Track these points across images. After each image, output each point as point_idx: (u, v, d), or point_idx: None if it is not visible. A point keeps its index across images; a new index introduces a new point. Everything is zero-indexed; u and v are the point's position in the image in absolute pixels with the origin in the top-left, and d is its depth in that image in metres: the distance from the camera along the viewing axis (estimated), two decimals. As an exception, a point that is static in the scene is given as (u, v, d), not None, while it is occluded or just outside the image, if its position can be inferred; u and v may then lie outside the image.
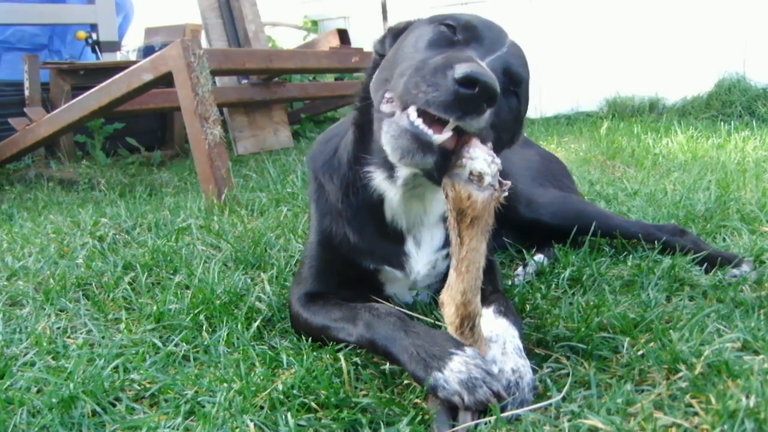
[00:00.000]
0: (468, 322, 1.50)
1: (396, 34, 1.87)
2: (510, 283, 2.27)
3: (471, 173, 1.40)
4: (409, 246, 1.95)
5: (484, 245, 1.45)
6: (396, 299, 2.05)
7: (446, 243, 1.97)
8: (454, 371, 1.41)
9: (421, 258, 1.96)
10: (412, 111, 1.43)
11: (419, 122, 1.41)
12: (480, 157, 1.40)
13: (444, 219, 1.93)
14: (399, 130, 1.44)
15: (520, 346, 1.60)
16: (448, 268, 1.96)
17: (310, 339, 1.85)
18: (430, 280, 2.03)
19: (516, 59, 1.70)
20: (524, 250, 2.53)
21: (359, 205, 1.93)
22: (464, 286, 1.46)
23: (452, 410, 1.42)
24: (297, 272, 2.11)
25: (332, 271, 2.01)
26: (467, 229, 1.42)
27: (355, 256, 1.96)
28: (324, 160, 2.04)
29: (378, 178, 1.86)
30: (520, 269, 2.39)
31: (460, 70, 1.34)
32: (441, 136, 1.41)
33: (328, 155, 2.03)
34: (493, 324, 1.65)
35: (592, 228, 2.49)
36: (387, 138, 1.47)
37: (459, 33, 1.65)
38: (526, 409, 1.42)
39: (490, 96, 1.37)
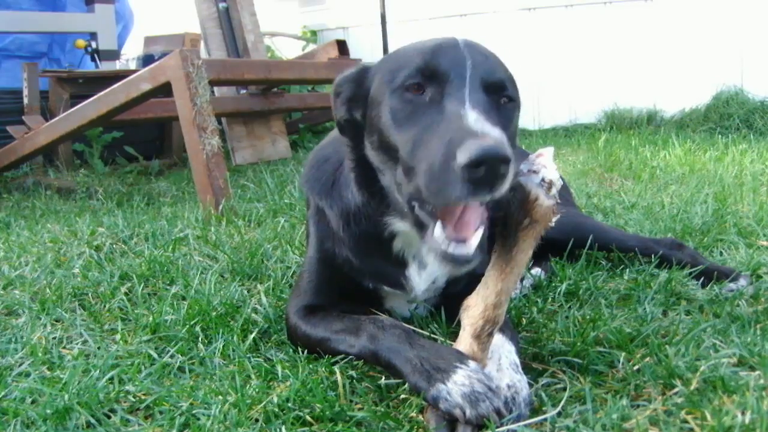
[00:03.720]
0: (489, 326, 1.52)
1: (351, 99, 1.84)
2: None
3: (543, 180, 1.47)
4: (412, 270, 1.94)
5: (531, 252, 1.51)
6: (394, 313, 2.05)
7: None
8: (458, 384, 1.42)
9: (423, 279, 1.95)
10: (439, 233, 1.49)
11: (452, 246, 1.48)
12: (552, 168, 1.49)
13: None
14: (440, 255, 1.50)
15: (517, 361, 1.60)
16: (447, 282, 1.98)
17: (306, 351, 1.85)
18: (429, 295, 2.03)
19: (485, 66, 1.65)
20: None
21: (361, 235, 1.92)
22: (502, 287, 1.51)
23: (450, 424, 1.42)
24: (295, 285, 2.11)
25: (332, 285, 2.01)
26: (524, 230, 1.48)
27: (355, 275, 1.96)
28: (321, 187, 2.01)
29: (399, 224, 1.83)
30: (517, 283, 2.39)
31: (461, 160, 1.35)
32: (473, 245, 1.48)
33: (326, 183, 2.01)
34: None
35: (589, 241, 2.49)
36: (432, 257, 1.62)
37: (426, 88, 1.61)
38: (521, 423, 1.42)
39: (502, 161, 1.36)
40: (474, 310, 1.54)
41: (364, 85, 1.80)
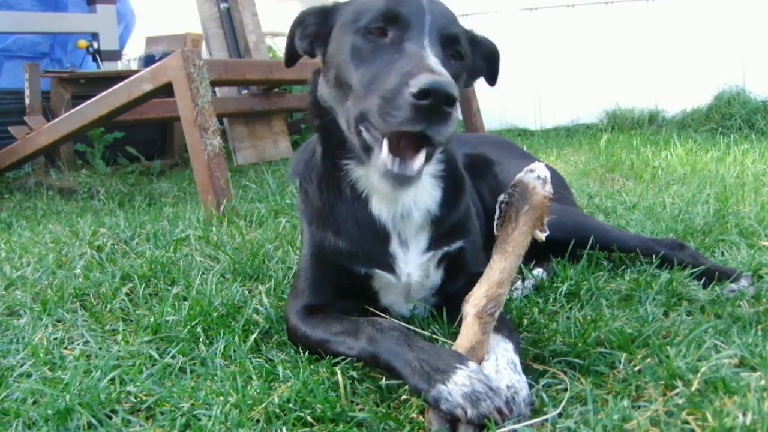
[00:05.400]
0: (492, 306, 1.62)
1: (314, 34, 1.98)
2: (508, 297, 2.26)
3: (539, 176, 1.76)
4: (395, 246, 1.96)
5: (530, 238, 1.73)
6: (393, 311, 2.05)
7: (431, 246, 1.99)
8: (458, 384, 1.42)
9: (410, 259, 1.96)
10: (385, 152, 1.62)
11: (395, 164, 1.62)
12: (545, 170, 1.78)
13: (431, 221, 1.98)
14: (383, 173, 1.64)
15: (515, 360, 1.60)
16: (441, 280, 2.02)
17: (307, 352, 1.85)
18: (424, 292, 2.04)
19: (443, 19, 1.79)
20: (522, 264, 2.52)
21: (335, 200, 1.98)
22: (505, 265, 1.67)
23: (451, 425, 1.42)
24: (293, 285, 2.11)
25: (328, 281, 2.02)
26: (524, 215, 1.71)
27: (346, 262, 1.97)
28: (304, 165, 2.10)
29: (358, 171, 1.92)
30: (519, 283, 2.39)
31: (412, 88, 1.49)
32: (416, 167, 1.64)
33: (307, 159, 2.09)
34: None
35: (590, 241, 2.49)
36: (376, 178, 1.68)
37: (388, 32, 1.74)
38: (522, 424, 1.42)
39: (448, 98, 1.50)
40: (478, 291, 1.65)
41: (328, 23, 1.94)
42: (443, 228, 2.00)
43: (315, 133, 2.04)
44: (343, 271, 1.98)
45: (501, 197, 1.76)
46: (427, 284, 2.02)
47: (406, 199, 1.92)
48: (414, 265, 1.97)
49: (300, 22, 1.99)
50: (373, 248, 1.95)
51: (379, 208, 1.94)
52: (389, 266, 1.95)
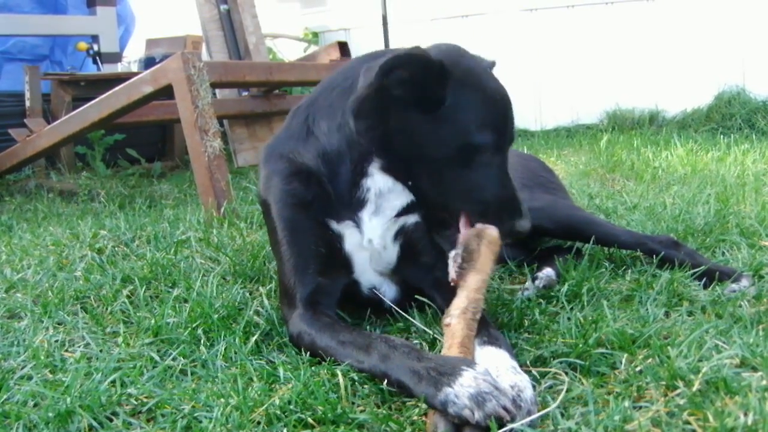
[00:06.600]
0: (473, 306, 1.71)
1: (422, 89, 1.93)
2: (510, 299, 2.26)
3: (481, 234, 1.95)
4: (365, 213, 2.06)
5: (492, 264, 1.90)
6: (361, 284, 2.12)
7: (401, 213, 2.09)
8: (465, 386, 1.42)
9: (374, 226, 2.06)
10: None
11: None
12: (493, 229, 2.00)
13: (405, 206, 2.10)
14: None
15: (514, 365, 1.60)
16: (398, 258, 2.13)
17: (308, 353, 1.85)
18: (383, 266, 2.12)
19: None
20: (525, 265, 2.52)
21: (336, 170, 2.06)
22: (478, 277, 1.81)
23: (456, 427, 1.41)
24: (280, 284, 2.13)
25: (307, 255, 2.05)
26: (484, 245, 1.89)
27: (319, 213, 2.06)
28: (294, 142, 2.18)
29: (377, 175, 2.04)
30: (528, 283, 2.39)
31: (519, 227, 2.00)
32: None
33: (299, 135, 2.19)
34: (480, 353, 1.67)
35: (581, 233, 2.53)
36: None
37: (493, 149, 1.99)
38: (523, 421, 1.41)
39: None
40: (457, 300, 1.74)
41: (440, 83, 1.93)
42: (407, 208, 2.10)
43: (364, 131, 1.98)
44: (320, 229, 2.06)
45: (452, 253, 1.89)
46: (385, 256, 2.09)
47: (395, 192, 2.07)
48: (377, 234, 2.06)
49: (416, 71, 1.91)
50: (348, 206, 2.05)
51: (365, 189, 2.04)
52: (356, 224, 2.05)
